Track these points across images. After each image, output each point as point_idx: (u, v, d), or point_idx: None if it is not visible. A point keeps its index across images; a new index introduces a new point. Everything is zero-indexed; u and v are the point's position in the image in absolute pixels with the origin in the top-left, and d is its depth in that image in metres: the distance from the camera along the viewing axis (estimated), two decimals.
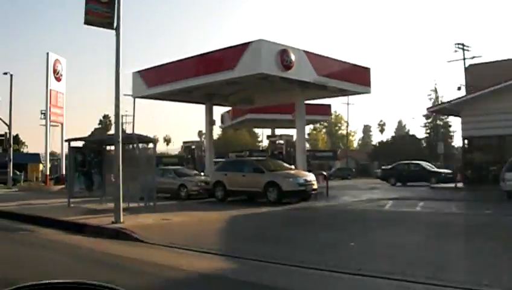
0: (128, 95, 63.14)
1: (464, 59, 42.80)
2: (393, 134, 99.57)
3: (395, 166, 33.32)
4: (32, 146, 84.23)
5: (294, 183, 18.25)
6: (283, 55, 21.78)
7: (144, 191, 16.09)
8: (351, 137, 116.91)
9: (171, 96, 28.48)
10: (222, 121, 47.53)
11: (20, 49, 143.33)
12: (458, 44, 43.53)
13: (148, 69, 27.46)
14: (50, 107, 39.92)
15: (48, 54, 39.68)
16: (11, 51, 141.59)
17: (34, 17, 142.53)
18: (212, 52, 23.90)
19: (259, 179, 18.60)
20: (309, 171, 21.86)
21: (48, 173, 40.47)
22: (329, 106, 44.85)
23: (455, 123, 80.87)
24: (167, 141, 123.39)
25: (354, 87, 25.60)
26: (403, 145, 69.80)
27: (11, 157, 42.57)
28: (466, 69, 40.09)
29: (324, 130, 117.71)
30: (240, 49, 22.03)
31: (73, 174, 17.72)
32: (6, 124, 42.21)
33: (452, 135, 76.54)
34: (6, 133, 42.02)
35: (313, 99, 29.20)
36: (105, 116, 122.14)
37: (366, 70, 26.49)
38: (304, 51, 22.92)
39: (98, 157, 18.12)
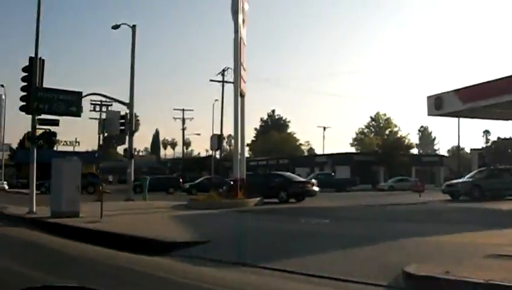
0: (216, 81, 51.93)
1: None
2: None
3: None
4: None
5: None
6: None
7: None
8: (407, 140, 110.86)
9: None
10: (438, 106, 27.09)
11: None
12: None
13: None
14: (240, 67, 23.74)
15: None
16: None
17: None
18: None
19: None
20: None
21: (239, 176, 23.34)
22: None
23: None
24: None
25: None
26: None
27: (132, 151, 28.86)
28: None
29: (372, 134, 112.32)
30: None
31: None
32: (123, 103, 27.86)
33: None
34: (126, 114, 27.63)
35: None
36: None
37: None
38: None
39: None
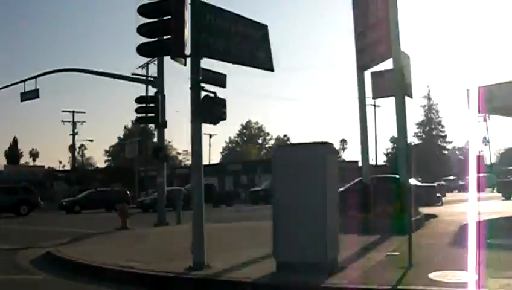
0: (139, 75, 44.32)
1: None
2: None
3: None
4: None
5: None
6: None
7: None
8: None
9: None
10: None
11: None
12: None
13: None
14: None
15: None
16: None
17: None
18: None
19: None
20: None
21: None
22: None
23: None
24: None
25: None
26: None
27: (165, 152, 21.05)
28: None
29: (239, 142, 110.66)
30: None
31: None
32: (145, 81, 24.43)
33: (444, 145, 76.04)
34: (156, 94, 18.88)
35: None
36: None
37: None
38: None
39: None
